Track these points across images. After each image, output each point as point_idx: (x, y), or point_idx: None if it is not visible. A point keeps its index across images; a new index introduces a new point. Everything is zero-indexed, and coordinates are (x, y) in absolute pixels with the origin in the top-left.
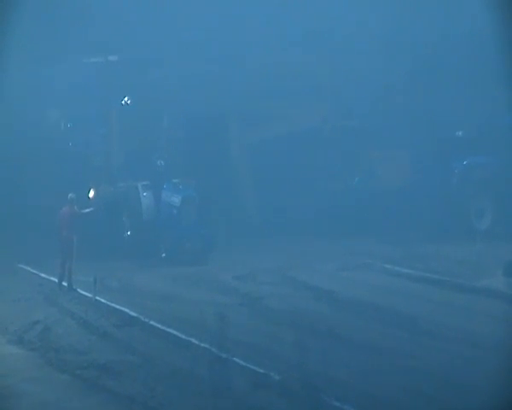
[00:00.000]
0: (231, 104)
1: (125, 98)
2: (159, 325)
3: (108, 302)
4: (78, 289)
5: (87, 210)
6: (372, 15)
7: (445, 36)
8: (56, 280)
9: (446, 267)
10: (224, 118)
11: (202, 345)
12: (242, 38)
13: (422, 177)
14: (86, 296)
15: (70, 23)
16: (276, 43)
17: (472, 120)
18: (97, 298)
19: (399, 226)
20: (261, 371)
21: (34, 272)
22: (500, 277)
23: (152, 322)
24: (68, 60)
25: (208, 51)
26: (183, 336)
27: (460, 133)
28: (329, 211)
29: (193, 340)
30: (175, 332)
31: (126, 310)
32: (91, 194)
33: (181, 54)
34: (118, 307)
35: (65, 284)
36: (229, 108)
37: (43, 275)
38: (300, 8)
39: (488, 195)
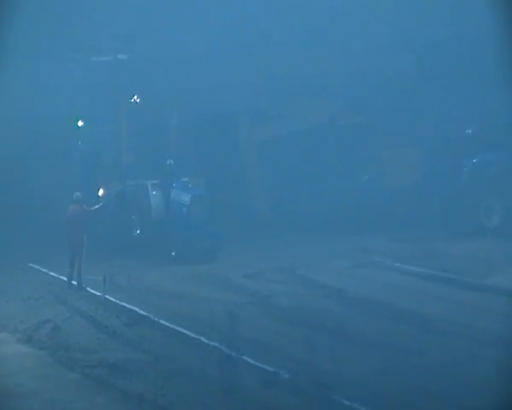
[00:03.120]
0: (241, 103)
1: (134, 96)
2: (168, 324)
3: (118, 301)
4: (88, 288)
5: (96, 206)
6: (382, 13)
7: (454, 33)
8: (65, 279)
9: (456, 265)
10: (234, 116)
11: (212, 343)
12: (252, 36)
13: (432, 175)
14: (96, 295)
15: (80, 22)
16: (285, 41)
17: (481, 118)
18: (107, 297)
19: (409, 224)
20: (271, 369)
21: (43, 270)
22: (510, 274)
23: (161, 320)
24: (78, 58)
25: (218, 50)
26: (193, 335)
27: (469, 131)
28: (339, 209)
29: (202, 338)
30: (184, 331)
31: (136, 309)
32: (101, 192)
33: (190, 53)
34: (127, 305)
35: (74, 282)
36: (239, 107)
37: (52, 274)
38: (309, 6)
39: (498, 192)
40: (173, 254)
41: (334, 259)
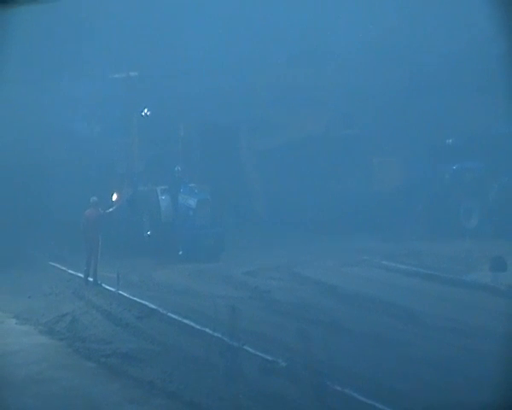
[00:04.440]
0: (242, 115)
1: (145, 110)
2: (176, 317)
3: (130, 296)
4: (103, 284)
5: (110, 209)
6: (371, 28)
7: (437, 50)
8: (83, 276)
9: (438, 263)
10: (236, 127)
11: (215, 335)
12: (252, 53)
13: (416, 180)
14: (110, 290)
15: (97, 43)
16: (283, 57)
17: (461, 129)
18: (120, 292)
19: (396, 225)
20: (269, 358)
21: (63, 268)
22: (487, 271)
23: (170, 314)
24: (94, 75)
25: (221, 66)
26: (198, 327)
27: (450, 141)
28: (332, 211)
29: (207, 330)
30: (191, 323)
31: (146, 303)
32: (115, 197)
33: (195, 69)
34: (139, 300)
35: (91, 279)
36: (240, 119)
37: (71, 271)
38: (306, 23)
39: (475, 197)
40: (180, 253)
41: (327, 258)
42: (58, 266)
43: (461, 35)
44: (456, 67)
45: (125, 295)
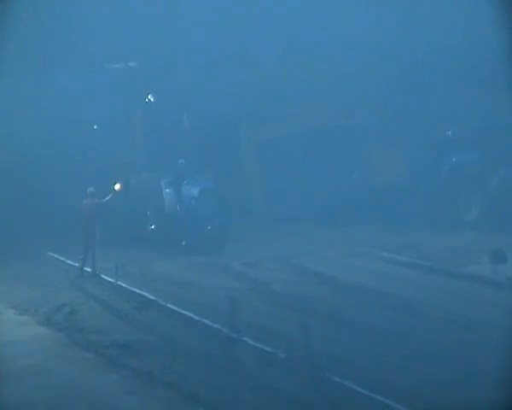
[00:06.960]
0: (243, 107)
1: (149, 96)
2: (175, 308)
3: (129, 287)
4: (102, 275)
5: (106, 198)
6: (371, 21)
7: (436, 42)
8: (78, 266)
9: (438, 255)
10: (237, 119)
11: (215, 326)
12: (254, 45)
13: (416, 172)
14: (109, 281)
15: (95, 33)
16: (283, 49)
17: (460, 121)
18: (119, 283)
19: (395, 217)
20: (268, 349)
21: (62, 259)
22: (486, 264)
23: (169, 305)
24: (95, 65)
25: (222, 58)
26: (198, 318)
27: (450, 133)
28: (331, 203)
29: (206, 321)
30: (190, 314)
31: (145, 294)
32: (117, 187)
33: (197, 60)
34: (138, 291)
35: (88, 269)
36: (242, 110)
37: (69, 262)
38: (305, 15)
39: (475, 189)
40: (184, 243)
41: (326, 249)
42: (57, 256)
43: (461, 27)
44: (457, 58)
45: (124, 286)
